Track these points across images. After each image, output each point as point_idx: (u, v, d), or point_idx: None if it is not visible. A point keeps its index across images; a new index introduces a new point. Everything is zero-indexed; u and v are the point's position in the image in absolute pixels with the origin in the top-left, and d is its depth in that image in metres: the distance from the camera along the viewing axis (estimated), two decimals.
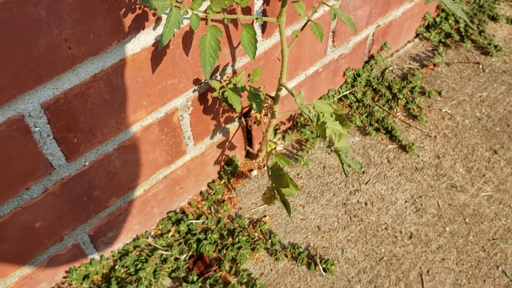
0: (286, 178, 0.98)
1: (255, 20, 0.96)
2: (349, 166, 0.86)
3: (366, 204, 1.23)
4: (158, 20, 0.79)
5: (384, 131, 1.37)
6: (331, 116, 1.01)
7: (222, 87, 0.94)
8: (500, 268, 1.10)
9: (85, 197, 0.92)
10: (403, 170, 1.29)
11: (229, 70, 1.01)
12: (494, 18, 1.68)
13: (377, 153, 1.33)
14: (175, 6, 0.68)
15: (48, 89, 0.72)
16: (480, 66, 1.54)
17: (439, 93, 1.46)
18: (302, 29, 0.93)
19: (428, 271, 1.10)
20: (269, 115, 1.12)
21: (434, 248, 1.14)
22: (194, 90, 0.97)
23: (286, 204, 1.01)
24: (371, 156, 1.32)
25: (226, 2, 0.69)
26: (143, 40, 0.79)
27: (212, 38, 0.71)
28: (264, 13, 0.98)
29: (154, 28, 0.79)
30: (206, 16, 0.73)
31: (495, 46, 1.57)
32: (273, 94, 1.11)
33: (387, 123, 1.37)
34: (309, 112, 0.90)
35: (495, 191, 1.25)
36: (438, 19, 1.62)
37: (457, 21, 1.63)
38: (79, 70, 0.74)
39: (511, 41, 1.62)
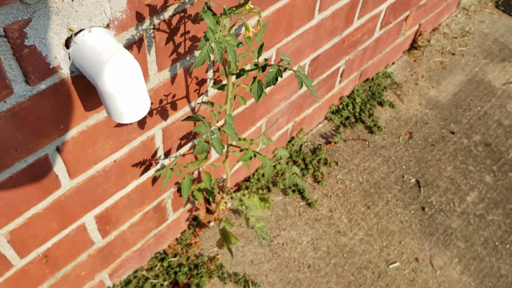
0: (229, 237, 1.65)
1: None
2: (264, 238, 1.53)
3: (283, 244, 1.91)
4: None
5: (298, 192, 2.06)
6: (258, 201, 1.68)
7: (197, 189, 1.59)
8: (361, 287, 1.82)
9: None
10: (308, 221, 1.98)
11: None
12: (381, 104, 2.39)
13: (292, 208, 2.02)
14: None
15: None
16: (366, 143, 2.25)
17: (336, 163, 2.16)
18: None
19: None
20: (221, 194, 1.78)
21: (323, 274, 1.84)
22: (174, 187, 1.62)
23: (230, 250, 1.69)
24: (288, 211, 2.01)
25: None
26: None
27: None
28: None
29: None
30: None
31: (378, 127, 2.29)
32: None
33: (300, 186, 2.06)
34: (243, 207, 1.57)
35: (365, 235, 1.96)
36: (340, 106, 2.31)
37: (354, 107, 2.33)
38: None
39: (391, 122, 2.34)
